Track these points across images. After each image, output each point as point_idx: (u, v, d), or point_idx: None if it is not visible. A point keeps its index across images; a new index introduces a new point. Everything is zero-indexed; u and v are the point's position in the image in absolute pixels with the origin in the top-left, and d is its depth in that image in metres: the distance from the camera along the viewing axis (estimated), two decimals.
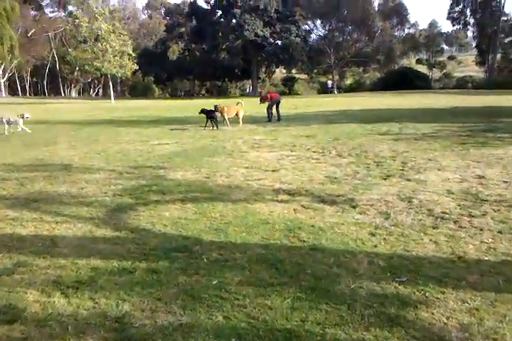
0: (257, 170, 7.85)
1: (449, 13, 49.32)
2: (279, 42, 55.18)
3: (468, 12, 53.14)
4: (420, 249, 4.21)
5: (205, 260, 4.03)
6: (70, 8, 61.41)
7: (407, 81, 49.12)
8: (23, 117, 15.00)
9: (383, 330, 2.88)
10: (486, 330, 2.87)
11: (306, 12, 54.92)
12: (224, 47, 55.66)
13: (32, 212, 5.61)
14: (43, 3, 66.40)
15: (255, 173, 7.63)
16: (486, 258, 3.97)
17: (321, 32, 57.51)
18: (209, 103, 21.11)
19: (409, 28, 60.15)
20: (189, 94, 68.34)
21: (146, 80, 67.83)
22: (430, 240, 4.42)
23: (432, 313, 3.09)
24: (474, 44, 59.68)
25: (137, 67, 38.98)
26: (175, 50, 61.36)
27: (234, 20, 54.28)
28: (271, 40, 53.92)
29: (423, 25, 74.85)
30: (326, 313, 3.10)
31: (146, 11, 79.66)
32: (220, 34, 54.86)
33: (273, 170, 7.79)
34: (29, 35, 55.51)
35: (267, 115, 16.93)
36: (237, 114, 15.64)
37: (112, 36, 34.77)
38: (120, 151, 10.31)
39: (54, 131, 15.44)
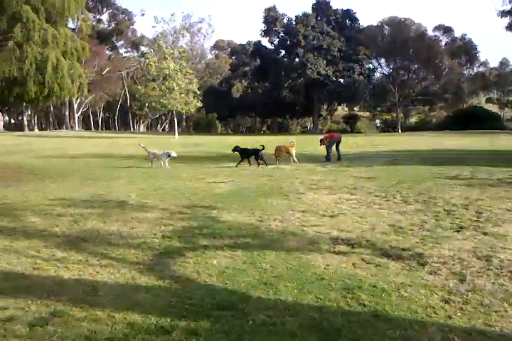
0: (313, 215, 7.38)
1: None
2: (342, 80, 55.34)
3: None
4: (505, 324, 3.53)
5: (250, 322, 3.59)
6: (143, 48, 65.53)
7: (476, 121, 47.04)
8: (169, 156, 15.27)
9: None
10: None
11: (371, 51, 54.93)
12: (286, 85, 56.61)
13: (79, 253, 5.46)
14: (118, 44, 71.43)
15: (312, 218, 7.15)
16: None
17: (385, 70, 57.07)
18: (267, 139, 21.05)
19: (478, 67, 58.24)
20: (250, 130, 69.56)
21: (210, 116, 70.06)
22: None
23: None
24: None
25: (201, 105, 40.22)
26: (238, 88, 63.25)
27: (297, 59, 55.36)
28: (333, 78, 54.19)
29: (494, 63, 72.07)
30: None
31: (213, 51, 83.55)
32: (283, 73, 55.98)
33: (331, 216, 7.28)
34: (103, 73, 59.50)
35: (326, 154, 16.49)
36: (288, 152, 15.49)
37: (178, 75, 36.34)
38: (176, 189, 10.24)
39: (117, 166, 15.88)
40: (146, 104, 40.12)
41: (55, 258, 5.25)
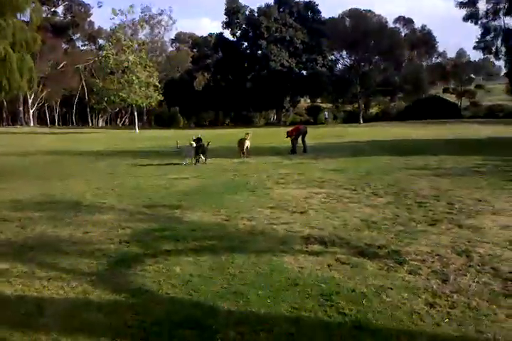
0: (283, 211, 7.00)
1: (479, 42, 48.40)
2: (305, 72, 55.30)
3: (499, 40, 52.15)
4: (497, 329, 3.24)
5: None
6: (101, 41, 63.34)
7: (435, 110, 48.09)
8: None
9: None
10: None
11: (333, 43, 55.06)
12: (249, 77, 56.09)
13: (24, 264, 4.86)
14: (74, 37, 68.82)
15: (281, 215, 6.77)
16: None
17: (347, 62, 57.39)
18: (234, 132, 20.57)
19: (437, 58, 59.51)
20: (214, 124, 68.67)
21: (172, 110, 68.67)
22: (507, 316, 3.44)
23: None
24: (505, 72, 58.31)
25: (162, 98, 39.17)
26: (201, 81, 62.24)
27: (260, 51, 54.89)
28: (297, 70, 54.06)
29: (451, 54, 73.84)
30: None
31: (174, 44, 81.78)
32: (246, 65, 55.41)
33: (301, 212, 6.91)
34: (59, 67, 57.17)
35: (291, 146, 16.18)
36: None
37: (138, 67, 35.18)
38: (135, 187, 9.64)
39: (71, 163, 15.02)
40: (105, 98, 38.66)
41: None
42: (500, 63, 62.35)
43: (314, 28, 55.87)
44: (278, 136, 23.48)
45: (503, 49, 50.86)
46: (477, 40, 48.56)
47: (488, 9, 44.64)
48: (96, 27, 70.67)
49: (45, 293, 4.10)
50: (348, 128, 36.02)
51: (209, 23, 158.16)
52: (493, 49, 50.46)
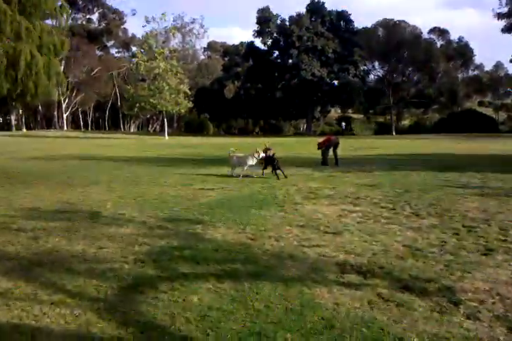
0: (314, 232, 6.37)
1: None
2: (336, 82, 54.55)
3: None
4: None
5: None
6: (134, 48, 64.30)
7: (471, 124, 46.47)
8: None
9: None
10: None
11: (365, 53, 54.24)
12: (279, 86, 55.75)
13: (29, 283, 4.40)
14: (108, 44, 70.18)
15: (312, 236, 6.14)
16: None
17: (380, 72, 56.41)
18: (259, 141, 20.03)
19: (473, 70, 57.72)
20: (243, 132, 68.51)
21: (202, 117, 68.93)
22: None
23: None
24: None
25: (192, 105, 39.15)
26: (231, 89, 62.28)
27: (290, 60, 54.52)
28: (328, 79, 53.37)
29: (488, 66, 71.40)
30: None
31: (205, 52, 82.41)
32: (276, 74, 55.13)
33: (334, 233, 6.27)
34: (93, 73, 58.25)
35: (322, 158, 15.51)
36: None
37: (169, 74, 35.24)
38: (158, 197, 9.18)
39: (97, 169, 14.78)
40: (136, 105, 38.90)
41: None
42: None
43: (346, 38, 55.14)
44: (308, 146, 22.88)
45: None
46: None
47: None
48: (130, 34, 71.95)
49: (44, 322, 3.61)
50: (381, 140, 35.00)
51: (240, 32, 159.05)
52: None
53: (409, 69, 55.30)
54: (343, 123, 60.16)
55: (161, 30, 45.99)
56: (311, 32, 54.06)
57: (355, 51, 54.33)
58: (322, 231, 6.41)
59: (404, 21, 54.52)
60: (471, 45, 54.57)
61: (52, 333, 3.44)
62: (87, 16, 66.89)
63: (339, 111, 74.94)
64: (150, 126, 79.38)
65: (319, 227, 6.60)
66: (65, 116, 58.94)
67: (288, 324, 3.52)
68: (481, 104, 72.76)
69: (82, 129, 65.74)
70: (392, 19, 54.74)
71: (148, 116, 72.52)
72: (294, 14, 56.37)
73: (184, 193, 9.69)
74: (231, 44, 73.69)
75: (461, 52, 53.43)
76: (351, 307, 3.85)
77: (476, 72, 59.20)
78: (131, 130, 75.65)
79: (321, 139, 16.38)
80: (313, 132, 58.68)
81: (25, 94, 11.96)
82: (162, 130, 44.58)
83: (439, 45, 55.22)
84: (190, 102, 38.04)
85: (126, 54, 69.86)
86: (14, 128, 56.29)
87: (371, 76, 59.27)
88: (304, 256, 5.28)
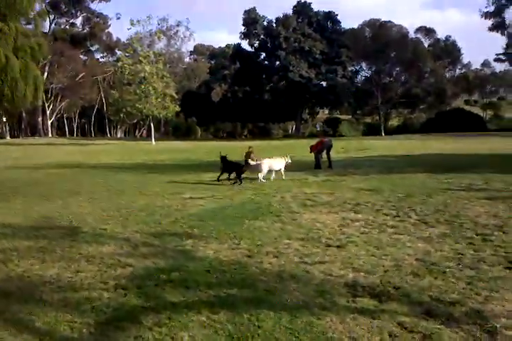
0: (315, 245, 5.79)
1: (505, 53, 46.67)
2: (324, 83, 54.20)
3: None
4: None
5: None
6: (119, 52, 63.33)
7: (459, 123, 46.33)
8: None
9: None
10: None
11: (353, 53, 53.93)
12: (267, 88, 55.27)
13: None
14: (93, 49, 69.13)
15: (314, 250, 5.57)
16: None
17: (368, 73, 56.20)
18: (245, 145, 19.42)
19: (461, 69, 57.78)
20: (231, 135, 67.88)
21: (189, 121, 68.16)
22: None
23: None
24: None
25: (179, 109, 38.45)
26: (218, 92, 61.65)
27: (278, 62, 54.07)
28: (316, 81, 52.97)
29: (477, 65, 71.34)
30: None
31: (192, 56, 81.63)
32: (264, 76, 54.63)
33: (338, 246, 5.70)
34: (78, 78, 57.19)
35: (315, 161, 14.96)
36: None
37: (154, 78, 34.53)
38: (144, 208, 8.53)
39: (80, 178, 14.05)
40: (122, 109, 38.05)
41: None
42: None
43: (334, 39, 54.84)
44: (298, 148, 22.35)
45: None
46: (501, 52, 46.86)
47: None
48: (114, 38, 70.86)
49: None
50: (371, 141, 34.57)
51: (226, 36, 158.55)
52: None
53: (397, 69, 55.13)
54: (317, 125, 60.36)
55: (146, 34, 45.22)
56: (298, 33, 53.66)
57: (342, 52, 54.04)
58: (324, 244, 5.85)
59: (390, 21, 54.39)
60: (458, 44, 54.61)
61: None
62: (71, 21, 65.70)
63: (326, 112, 74.62)
64: (137, 131, 78.33)
65: (320, 239, 6.03)
66: (49, 122, 57.79)
67: None
68: (467, 102, 72.98)
69: (68, 136, 64.54)
70: (379, 19, 54.56)
71: (135, 121, 71.43)
72: (281, 15, 55.94)
73: (172, 203, 9.04)
74: (217, 47, 73.15)
75: (449, 51, 53.40)
76: None
77: (463, 71, 59.28)
78: (118, 135, 74.52)
79: (313, 142, 15.84)
80: (302, 134, 58.26)
81: (1, 99, 11.22)
82: (149, 135, 43.76)
83: (426, 44, 55.19)
84: (177, 106, 37.34)
85: (111, 58, 68.77)
86: None
87: (359, 76, 59.06)
88: (307, 275, 4.70)
